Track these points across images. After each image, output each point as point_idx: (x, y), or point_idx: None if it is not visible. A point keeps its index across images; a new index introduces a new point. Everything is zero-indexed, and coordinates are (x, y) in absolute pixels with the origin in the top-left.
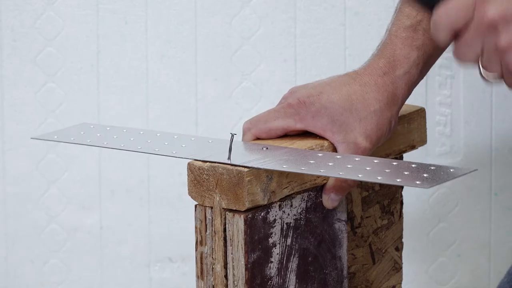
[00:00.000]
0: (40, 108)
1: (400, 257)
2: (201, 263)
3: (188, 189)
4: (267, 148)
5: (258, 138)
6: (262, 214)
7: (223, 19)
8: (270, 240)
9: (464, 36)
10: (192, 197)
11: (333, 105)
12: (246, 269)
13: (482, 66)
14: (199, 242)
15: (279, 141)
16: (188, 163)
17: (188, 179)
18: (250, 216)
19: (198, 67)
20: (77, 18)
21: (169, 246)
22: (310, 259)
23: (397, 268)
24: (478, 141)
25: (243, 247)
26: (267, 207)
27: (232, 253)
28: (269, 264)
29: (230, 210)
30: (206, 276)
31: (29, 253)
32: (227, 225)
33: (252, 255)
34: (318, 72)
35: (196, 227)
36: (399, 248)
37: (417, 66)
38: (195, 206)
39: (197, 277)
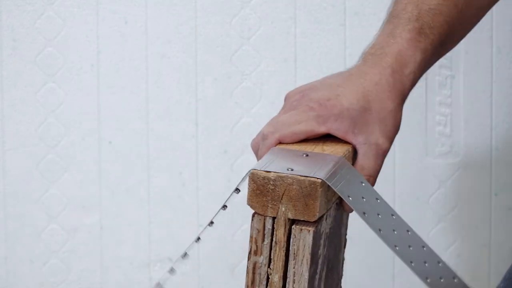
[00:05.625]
0: (40, 108)
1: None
2: (253, 273)
3: (249, 199)
4: (307, 155)
5: (280, 142)
6: (318, 226)
7: (223, 19)
8: (319, 252)
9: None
10: (252, 207)
11: (353, 106)
12: (308, 282)
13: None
14: (253, 252)
15: (309, 146)
16: (252, 173)
17: (249, 188)
18: (314, 229)
19: (198, 67)
20: (77, 18)
21: (169, 246)
22: (330, 266)
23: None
24: (478, 141)
25: (308, 261)
26: (321, 218)
27: (294, 267)
28: (316, 276)
29: (297, 222)
30: (258, 286)
31: (29, 253)
32: (292, 238)
33: (311, 268)
34: (318, 72)
35: (251, 237)
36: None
37: (420, 69)
38: (253, 215)
39: (247, 287)
